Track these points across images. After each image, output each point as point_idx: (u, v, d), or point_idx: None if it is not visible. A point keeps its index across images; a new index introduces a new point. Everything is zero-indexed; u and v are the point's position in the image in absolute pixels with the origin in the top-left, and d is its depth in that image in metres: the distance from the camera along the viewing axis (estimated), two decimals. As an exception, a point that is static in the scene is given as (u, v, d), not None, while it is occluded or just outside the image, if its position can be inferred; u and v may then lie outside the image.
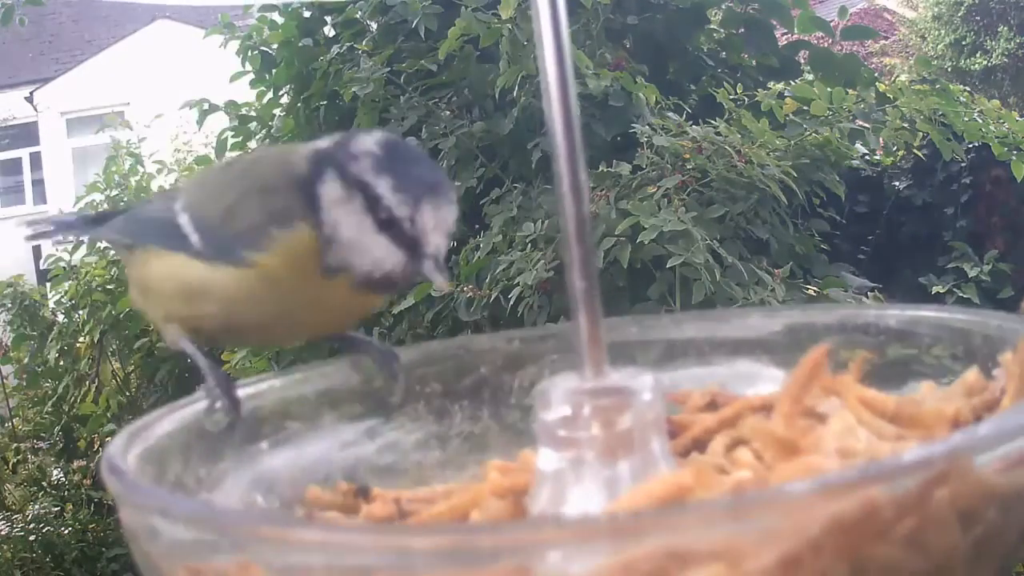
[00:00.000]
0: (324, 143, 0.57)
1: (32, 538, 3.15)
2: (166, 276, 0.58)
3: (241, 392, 0.56)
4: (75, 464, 3.45)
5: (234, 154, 2.97)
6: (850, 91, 2.29)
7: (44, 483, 3.47)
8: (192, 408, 0.54)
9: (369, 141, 0.55)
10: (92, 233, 0.68)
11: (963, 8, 9.92)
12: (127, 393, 3.40)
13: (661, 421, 0.46)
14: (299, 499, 0.53)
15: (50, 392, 3.61)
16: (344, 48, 2.54)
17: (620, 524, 0.35)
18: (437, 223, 0.53)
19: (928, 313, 0.55)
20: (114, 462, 0.44)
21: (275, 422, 0.56)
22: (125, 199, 3.59)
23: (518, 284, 1.95)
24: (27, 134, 11.25)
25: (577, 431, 0.44)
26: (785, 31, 2.67)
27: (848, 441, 0.44)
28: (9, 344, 3.80)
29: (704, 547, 0.33)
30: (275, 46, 2.78)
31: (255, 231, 0.55)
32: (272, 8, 2.79)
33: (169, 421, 0.52)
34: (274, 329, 0.58)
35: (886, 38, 9.94)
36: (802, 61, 2.69)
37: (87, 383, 3.50)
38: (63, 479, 3.48)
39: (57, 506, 3.33)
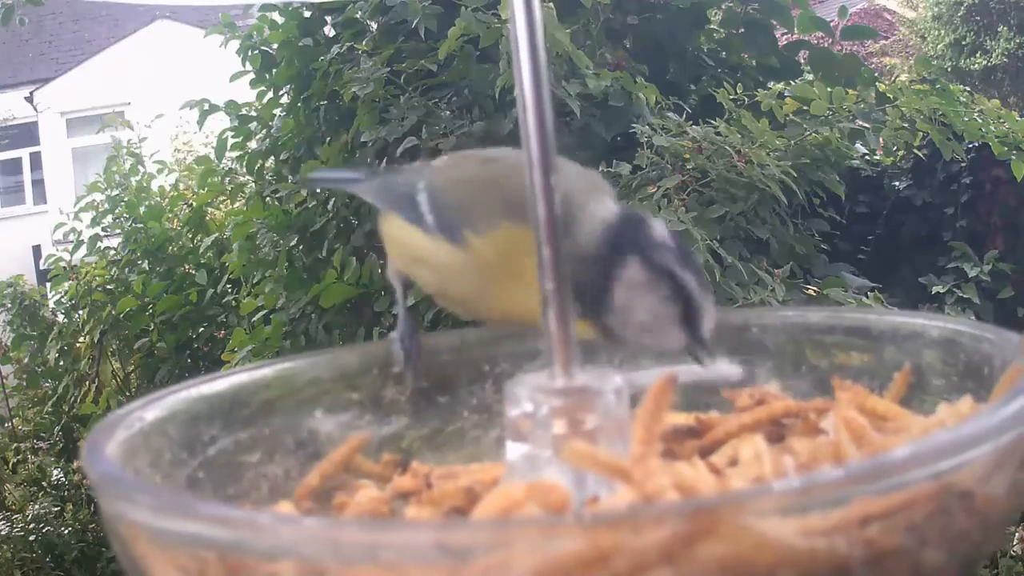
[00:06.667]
0: (611, 213, 0.58)
1: (32, 538, 3.15)
2: (397, 238, 0.66)
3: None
4: (75, 464, 3.44)
5: (234, 154, 2.98)
6: (850, 91, 2.29)
7: (44, 483, 3.47)
8: (222, 381, 0.55)
9: (662, 231, 0.57)
10: (361, 185, 0.73)
11: (963, 8, 9.91)
12: (127, 393, 3.40)
13: (626, 422, 0.46)
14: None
15: (50, 392, 3.62)
16: (344, 48, 2.53)
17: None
18: (713, 315, 0.57)
19: (959, 327, 0.53)
20: (99, 434, 0.46)
21: (336, 393, 0.59)
22: (125, 199, 3.59)
23: (518, 284, 1.95)
24: (27, 134, 11.24)
25: (537, 429, 0.45)
26: (785, 31, 2.67)
27: (705, 477, 0.42)
28: (9, 344, 3.80)
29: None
30: (275, 46, 2.78)
31: (481, 217, 0.59)
32: (272, 8, 2.79)
33: (200, 390, 0.54)
34: (479, 307, 0.63)
35: (886, 38, 9.94)
36: (802, 61, 2.69)
37: (87, 383, 3.50)
38: (63, 479, 3.48)
39: (57, 506, 3.33)
